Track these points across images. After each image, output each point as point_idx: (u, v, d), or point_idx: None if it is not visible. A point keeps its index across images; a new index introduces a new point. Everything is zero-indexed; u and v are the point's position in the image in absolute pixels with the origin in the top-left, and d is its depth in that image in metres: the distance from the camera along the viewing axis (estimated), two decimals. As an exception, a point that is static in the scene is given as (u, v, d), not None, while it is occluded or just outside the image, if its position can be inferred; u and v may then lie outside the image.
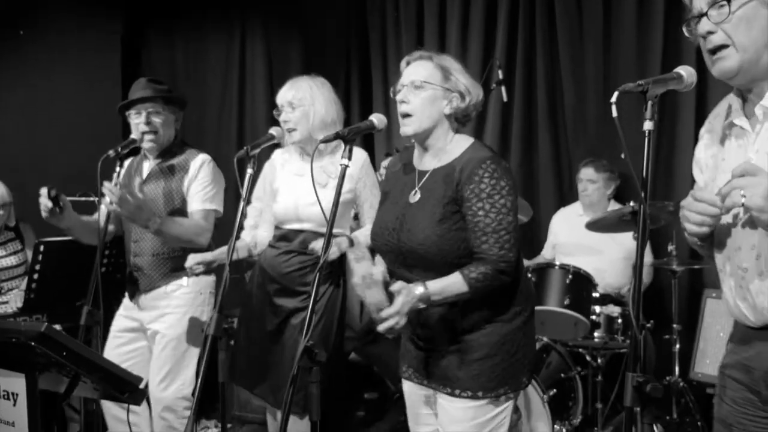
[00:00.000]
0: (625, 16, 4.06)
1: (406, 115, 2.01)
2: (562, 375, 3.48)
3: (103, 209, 2.67)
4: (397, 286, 1.85)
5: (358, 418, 4.03)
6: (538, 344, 3.40)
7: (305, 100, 2.68)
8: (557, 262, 3.59)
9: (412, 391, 2.15)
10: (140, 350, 2.93)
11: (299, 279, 2.67)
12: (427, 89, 1.99)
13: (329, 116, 2.71)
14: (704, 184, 1.68)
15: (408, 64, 2.06)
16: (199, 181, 2.89)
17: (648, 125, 1.50)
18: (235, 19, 5.29)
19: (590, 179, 3.89)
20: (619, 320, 3.46)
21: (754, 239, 1.54)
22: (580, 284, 3.45)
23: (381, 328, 1.85)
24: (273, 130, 2.58)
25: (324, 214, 1.98)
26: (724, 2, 1.52)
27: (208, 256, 2.74)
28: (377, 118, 2.05)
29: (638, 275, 1.47)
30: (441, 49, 4.33)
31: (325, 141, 2.02)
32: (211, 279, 2.96)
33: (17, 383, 1.67)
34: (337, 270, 2.75)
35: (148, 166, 2.98)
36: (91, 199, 2.89)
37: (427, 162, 2.06)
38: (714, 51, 1.56)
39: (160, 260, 2.87)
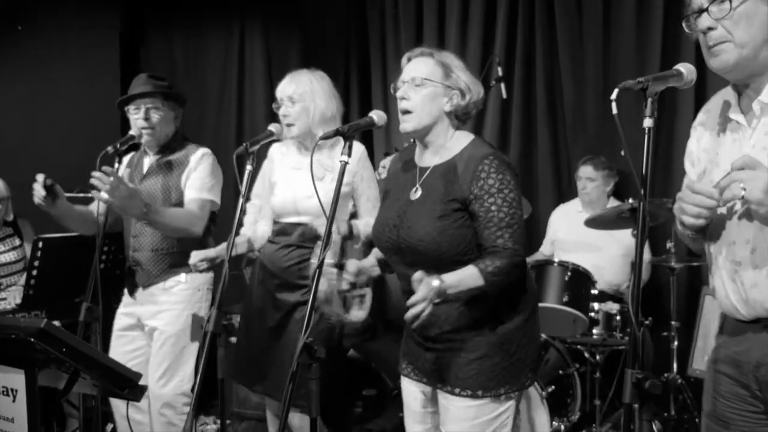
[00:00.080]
0: (625, 13, 4.06)
1: (406, 112, 2.01)
2: (561, 372, 3.48)
3: (102, 204, 2.67)
4: (417, 275, 1.81)
5: (356, 414, 4.03)
6: (536, 341, 3.40)
7: (305, 96, 2.67)
8: (556, 259, 3.60)
9: (410, 388, 2.14)
10: (144, 348, 2.94)
11: (299, 272, 2.67)
12: (427, 86, 1.99)
13: (329, 111, 2.71)
14: (696, 178, 1.68)
15: (409, 60, 2.06)
16: (198, 172, 2.88)
17: (648, 122, 1.50)
18: (235, 15, 5.27)
19: (589, 177, 3.89)
20: (618, 317, 3.47)
21: (749, 233, 1.55)
22: (578, 281, 3.46)
23: (407, 316, 1.79)
24: (272, 127, 2.58)
25: (323, 210, 1.97)
26: None
27: (211, 252, 2.74)
28: (377, 115, 2.05)
29: (637, 272, 1.47)
30: (440, 45, 4.32)
31: (325, 138, 2.02)
32: (209, 275, 2.96)
33: (17, 379, 1.66)
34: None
35: (147, 161, 2.98)
36: (90, 195, 2.89)
37: (427, 159, 2.06)
38: (713, 45, 1.57)
39: (160, 255, 2.87)
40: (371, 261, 2.22)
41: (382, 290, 4.64)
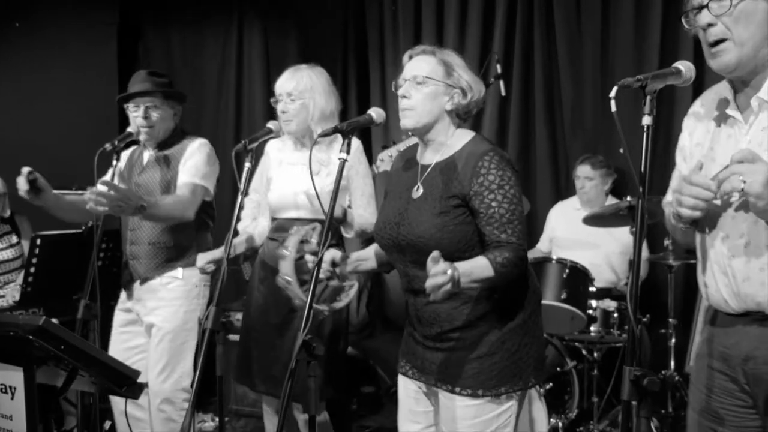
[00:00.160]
0: (623, 10, 4.06)
1: (407, 110, 2.00)
2: (559, 369, 3.49)
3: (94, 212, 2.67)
4: (435, 253, 1.73)
5: (353, 411, 4.04)
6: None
7: (305, 93, 2.67)
8: (554, 256, 3.60)
9: (408, 387, 2.13)
10: (144, 345, 2.93)
11: (301, 268, 2.66)
12: (429, 85, 1.98)
13: (328, 108, 2.70)
14: (688, 172, 1.69)
15: (410, 58, 2.04)
16: (194, 159, 2.87)
17: (647, 120, 1.50)
18: (232, 11, 5.26)
19: (587, 176, 3.90)
20: (615, 314, 3.48)
21: (744, 227, 1.56)
22: (576, 278, 3.46)
23: (428, 284, 1.71)
24: (271, 124, 2.57)
25: (322, 207, 1.98)
26: None
27: (216, 253, 2.76)
28: (376, 113, 2.05)
29: (635, 270, 1.47)
30: (439, 42, 4.31)
31: (324, 135, 2.02)
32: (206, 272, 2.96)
33: (15, 377, 1.66)
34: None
35: (147, 155, 2.98)
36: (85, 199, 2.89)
37: (428, 157, 2.06)
38: (713, 44, 1.57)
39: (157, 249, 2.87)
40: (359, 255, 2.21)
41: (380, 289, 4.65)
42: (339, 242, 2.74)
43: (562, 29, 4.21)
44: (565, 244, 3.93)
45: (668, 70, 1.60)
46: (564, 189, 4.26)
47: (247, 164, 2.33)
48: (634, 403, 1.44)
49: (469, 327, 1.97)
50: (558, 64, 4.24)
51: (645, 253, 3.75)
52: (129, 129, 2.90)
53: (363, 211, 2.71)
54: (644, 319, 3.48)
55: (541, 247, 4.11)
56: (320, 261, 1.85)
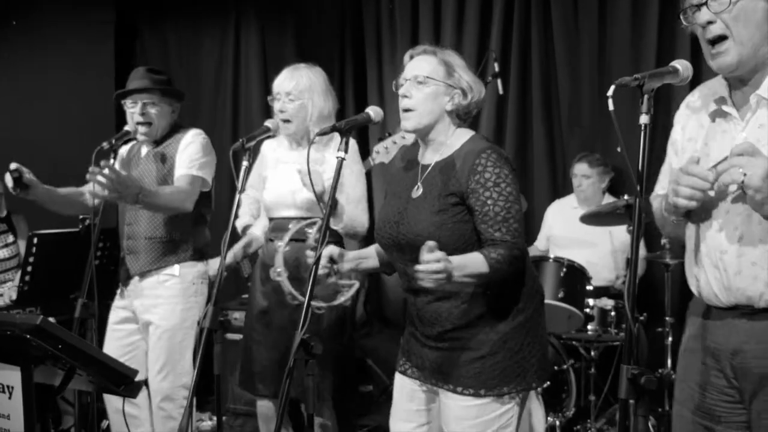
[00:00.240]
0: (620, 9, 4.06)
1: (408, 110, 2.01)
2: (556, 367, 3.50)
3: (95, 191, 2.67)
4: (431, 243, 1.75)
5: (351, 410, 4.04)
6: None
7: (304, 93, 2.66)
8: (551, 255, 3.61)
9: (405, 386, 2.13)
10: (138, 342, 2.93)
11: (301, 265, 2.65)
12: (429, 85, 1.99)
13: (326, 108, 2.70)
14: (678, 167, 1.69)
15: (411, 58, 2.05)
16: (188, 150, 2.87)
17: (644, 119, 1.51)
18: (229, 10, 5.25)
19: (584, 174, 3.90)
20: (613, 313, 3.48)
21: (738, 221, 1.57)
22: (574, 277, 3.47)
23: (420, 268, 1.72)
24: (268, 122, 2.57)
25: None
26: None
27: (227, 260, 2.79)
28: (374, 111, 2.05)
29: (633, 268, 1.47)
30: (436, 41, 4.32)
31: (322, 134, 2.02)
32: (203, 269, 2.95)
33: (13, 376, 1.66)
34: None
35: (144, 151, 2.98)
36: (82, 190, 2.89)
37: (428, 156, 2.07)
38: (713, 42, 1.57)
39: (154, 244, 2.86)
40: (359, 253, 2.21)
41: (378, 288, 4.65)
42: (339, 240, 2.74)
43: (559, 27, 4.21)
44: (562, 243, 3.93)
45: (665, 69, 1.60)
46: (561, 187, 4.27)
47: (245, 162, 2.33)
48: (631, 401, 1.44)
49: (471, 326, 1.97)
50: (555, 63, 4.24)
51: (642, 251, 3.76)
52: (126, 128, 2.90)
53: (353, 209, 2.70)
54: (641, 318, 3.49)
55: (539, 245, 4.11)
56: (318, 258, 1.85)
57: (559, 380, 3.50)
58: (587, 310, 3.47)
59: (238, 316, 3.97)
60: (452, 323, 1.98)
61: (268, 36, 5.17)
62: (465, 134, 2.04)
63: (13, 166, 2.65)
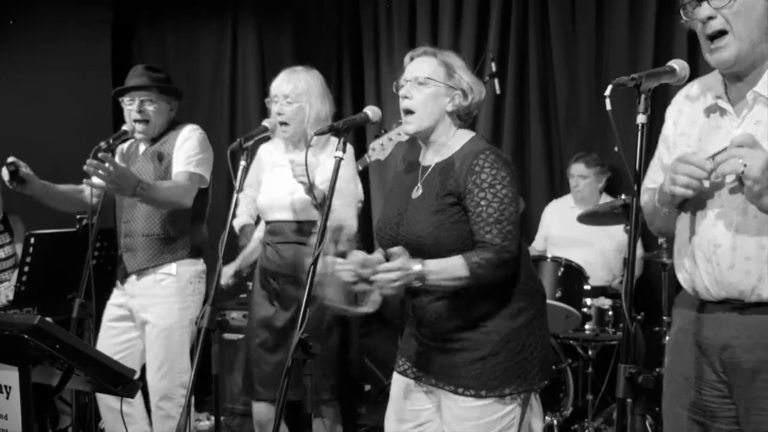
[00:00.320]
0: (617, 9, 4.07)
1: (408, 112, 2.02)
2: (554, 367, 3.50)
3: (93, 191, 2.67)
4: (397, 249, 1.80)
5: (349, 410, 4.04)
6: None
7: (302, 96, 2.66)
8: (549, 255, 3.61)
9: (403, 386, 2.12)
10: (133, 341, 2.92)
11: (303, 267, 2.65)
12: (430, 86, 1.99)
13: (323, 111, 2.70)
14: (669, 163, 1.69)
15: (412, 59, 2.06)
16: (186, 147, 2.87)
17: (641, 119, 1.51)
18: (227, 9, 5.25)
19: (581, 175, 3.90)
20: (610, 312, 3.49)
21: (733, 215, 1.57)
22: (571, 277, 3.47)
23: (378, 277, 1.78)
24: (266, 122, 2.57)
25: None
26: None
27: (233, 266, 2.91)
28: (371, 111, 2.05)
29: (630, 268, 1.48)
30: (434, 41, 4.32)
31: (320, 133, 2.02)
32: (200, 267, 2.95)
33: (10, 376, 1.66)
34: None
35: (142, 148, 2.98)
36: (81, 187, 2.88)
37: (429, 157, 2.08)
38: (712, 37, 1.57)
39: (151, 241, 2.86)
40: (378, 257, 2.20)
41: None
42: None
43: (556, 28, 4.21)
44: (559, 243, 3.93)
45: (662, 69, 1.61)
46: (558, 187, 4.27)
47: (243, 162, 2.33)
48: (629, 400, 1.44)
49: (472, 327, 1.97)
50: (552, 64, 4.24)
51: (639, 251, 3.76)
52: (124, 127, 2.90)
53: (344, 207, 2.68)
54: (639, 317, 3.49)
55: (536, 245, 4.12)
56: (316, 259, 1.85)
57: (556, 380, 3.50)
58: (585, 309, 3.47)
59: (235, 316, 3.97)
60: (453, 324, 1.98)
61: (265, 35, 5.17)
62: (466, 135, 2.05)
63: (10, 159, 2.64)
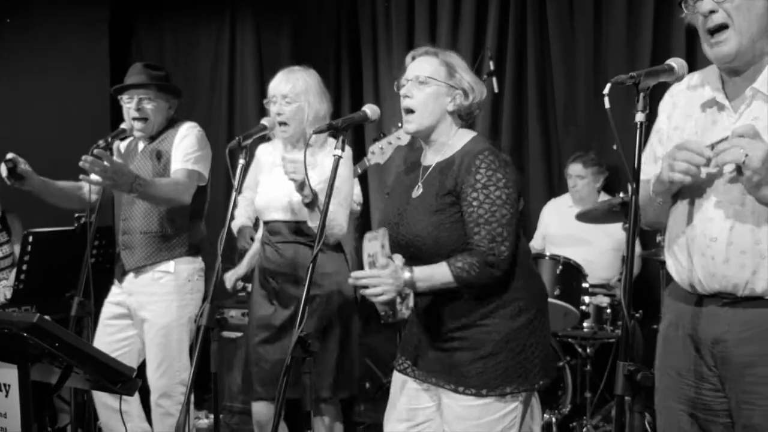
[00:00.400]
0: (616, 7, 4.07)
1: (409, 111, 2.02)
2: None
3: (92, 189, 2.67)
4: (383, 261, 1.84)
5: (348, 408, 4.04)
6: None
7: (301, 96, 2.65)
8: (547, 253, 3.62)
9: (403, 384, 2.12)
10: (131, 339, 2.92)
11: (303, 267, 2.65)
12: (431, 85, 2.00)
13: (322, 111, 2.69)
14: (663, 156, 1.69)
15: (413, 58, 2.06)
16: (184, 144, 2.86)
17: (640, 117, 1.51)
18: (225, 8, 5.24)
19: (579, 175, 3.91)
20: (608, 310, 3.49)
21: (730, 211, 1.58)
22: (570, 275, 3.48)
23: (360, 283, 1.85)
24: (265, 121, 2.57)
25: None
26: None
27: (240, 270, 2.91)
28: (370, 109, 2.06)
29: (629, 266, 1.48)
30: (432, 39, 4.32)
31: (319, 132, 2.02)
32: (198, 265, 2.95)
33: (9, 374, 1.66)
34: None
35: (141, 147, 2.98)
36: (80, 184, 2.87)
37: (430, 157, 2.08)
38: (713, 31, 1.58)
39: (149, 238, 2.85)
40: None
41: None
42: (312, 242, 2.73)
43: (554, 26, 4.22)
44: (558, 241, 3.94)
45: (661, 67, 1.61)
46: (557, 186, 4.27)
47: (241, 161, 2.32)
48: (627, 397, 1.45)
49: (473, 326, 1.97)
50: (551, 61, 4.25)
51: (638, 249, 3.76)
52: (123, 126, 2.90)
53: (335, 208, 2.68)
54: (637, 315, 3.49)
55: (535, 244, 4.12)
56: (315, 258, 1.85)
57: (555, 377, 3.51)
58: (583, 307, 3.48)
59: (234, 314, 3.97)
60: (454, 323, 1.98)
61: (263, 34, 5.16)
62: (467, 135, 2.06)
63: (8, 156, 2.64)
